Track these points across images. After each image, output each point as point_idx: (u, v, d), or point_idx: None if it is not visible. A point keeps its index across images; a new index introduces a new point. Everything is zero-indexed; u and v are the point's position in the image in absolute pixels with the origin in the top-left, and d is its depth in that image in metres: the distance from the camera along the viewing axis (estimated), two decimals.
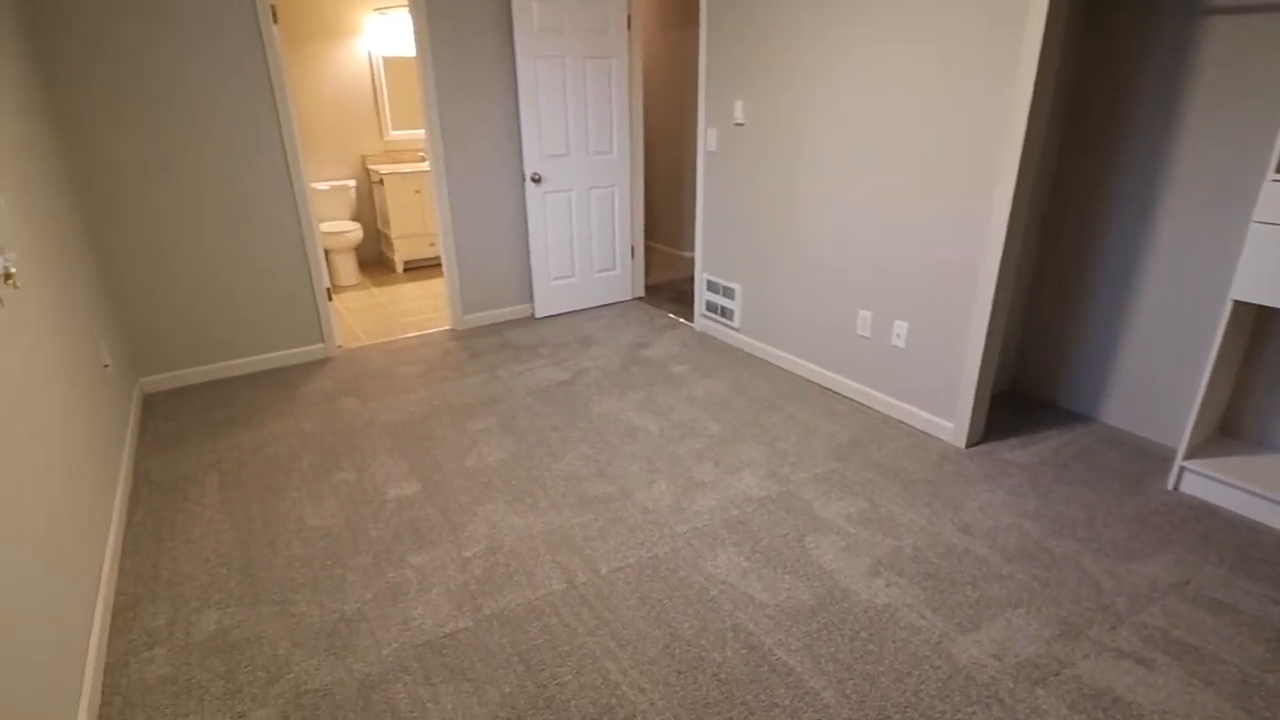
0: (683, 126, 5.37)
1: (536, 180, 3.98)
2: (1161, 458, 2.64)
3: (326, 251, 4.88)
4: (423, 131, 5.50)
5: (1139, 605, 1.93)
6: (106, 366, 2.68)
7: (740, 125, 3.41)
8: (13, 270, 1.68)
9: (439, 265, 5.48)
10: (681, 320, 4.22)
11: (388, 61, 5.24)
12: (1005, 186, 2.37)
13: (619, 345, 3.83)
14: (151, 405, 3.19)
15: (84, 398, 2.27)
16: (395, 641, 1.81)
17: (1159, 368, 2.67)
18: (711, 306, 3.91)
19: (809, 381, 3.33)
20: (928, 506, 2.36)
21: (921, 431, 2.84)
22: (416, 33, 3.56)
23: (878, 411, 3.02)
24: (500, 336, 3.99)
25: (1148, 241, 2.61)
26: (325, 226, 4.95)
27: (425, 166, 5.24)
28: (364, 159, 5.38)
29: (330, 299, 3.69)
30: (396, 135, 5.45)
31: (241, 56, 3.14)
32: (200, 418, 3.06)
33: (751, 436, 2.83)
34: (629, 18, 4.00)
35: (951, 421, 2.75)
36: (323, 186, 5.11)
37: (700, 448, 2.75)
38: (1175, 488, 2.45)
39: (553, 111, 3.91)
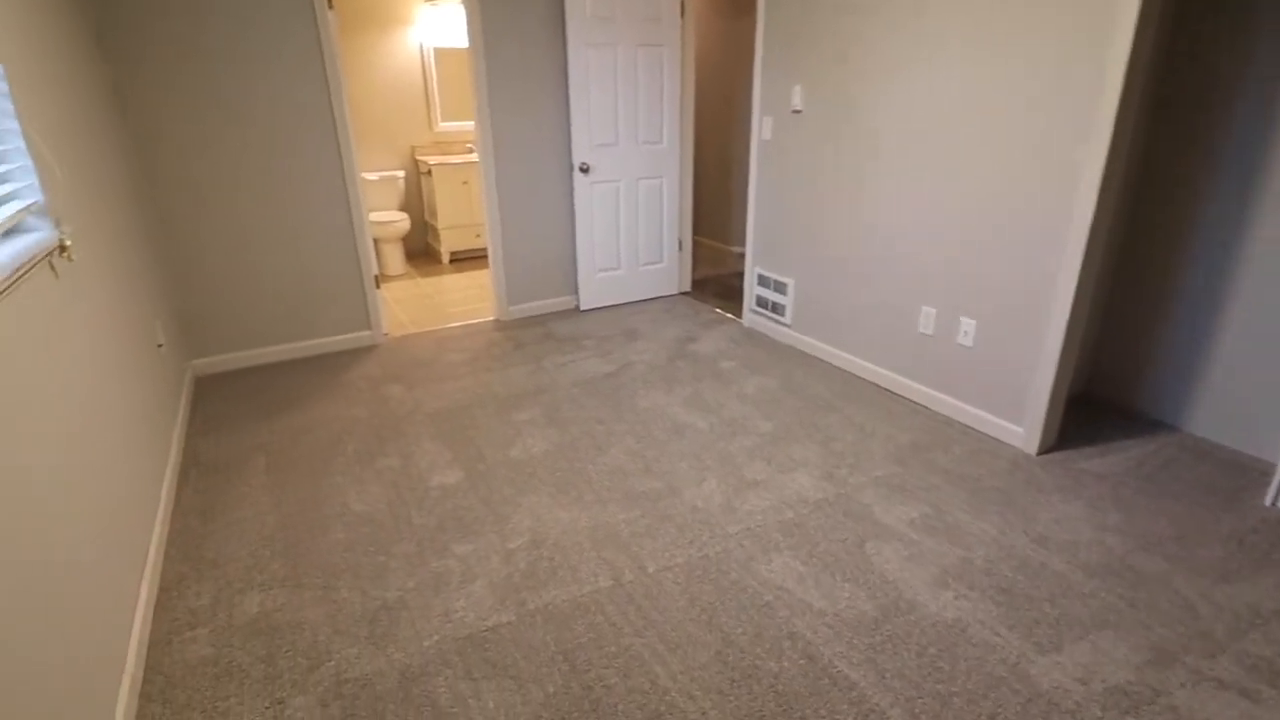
0: (733, 118, 5.25)
1: (585, 170, 3.91)
2: (1258, 472, 2.42)
3: (375, 241, 4.91)
4: (471, 123, 5.50)
5: (1240, 631, 1.75)
6: (160, 346, 2.71)
7: (798, 112, 3.28)
8: (68, 243, 1.67)
9: (485, 257, 5.47)
10: (729, 315, 4.10)
11: (439, 53, 5.25)
12: (1090, 181, 2.19)
13: (665, 339, 3.73)
14: (202, 387, 3.23)
15: (138, 376, 2.28)
16: (437, 633, 1.75)
17: (1255, 374, 2.45)
18: (762, 301, 3.78)
19: (865, 381, 3.18)
20: (999, 516, 2.20)
21: (989, 436, 2.67)
22: (469, 21, 3.53)
23: (940, 414, 2.86)
24: (545, 328, 3.93)
25: (1246, 235, 2.39)
26: (374, 216, 4.99)
27: (473, 158, 5.23)
28: (413, 150, 5.41)
29: (378, 287, 3.68)
30: (446, 127, 5.46)
31: (297, 42, 3.15)
32: (249, 401, 3.07)
33: (805, 436, 2.70)
34: (682, 5, 3.90)
35: (1022, 426, 2.57)
36: (372, 177, 5.14)
37: (751, 446, 2.63)
38: (1274, 504, 2.24)
39: (603, 100, 3.84)
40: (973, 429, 2.73)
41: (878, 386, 3.12)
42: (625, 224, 4.16)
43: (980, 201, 2.55)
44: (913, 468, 2.47)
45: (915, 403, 2.96)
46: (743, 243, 5.45)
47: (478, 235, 5.35)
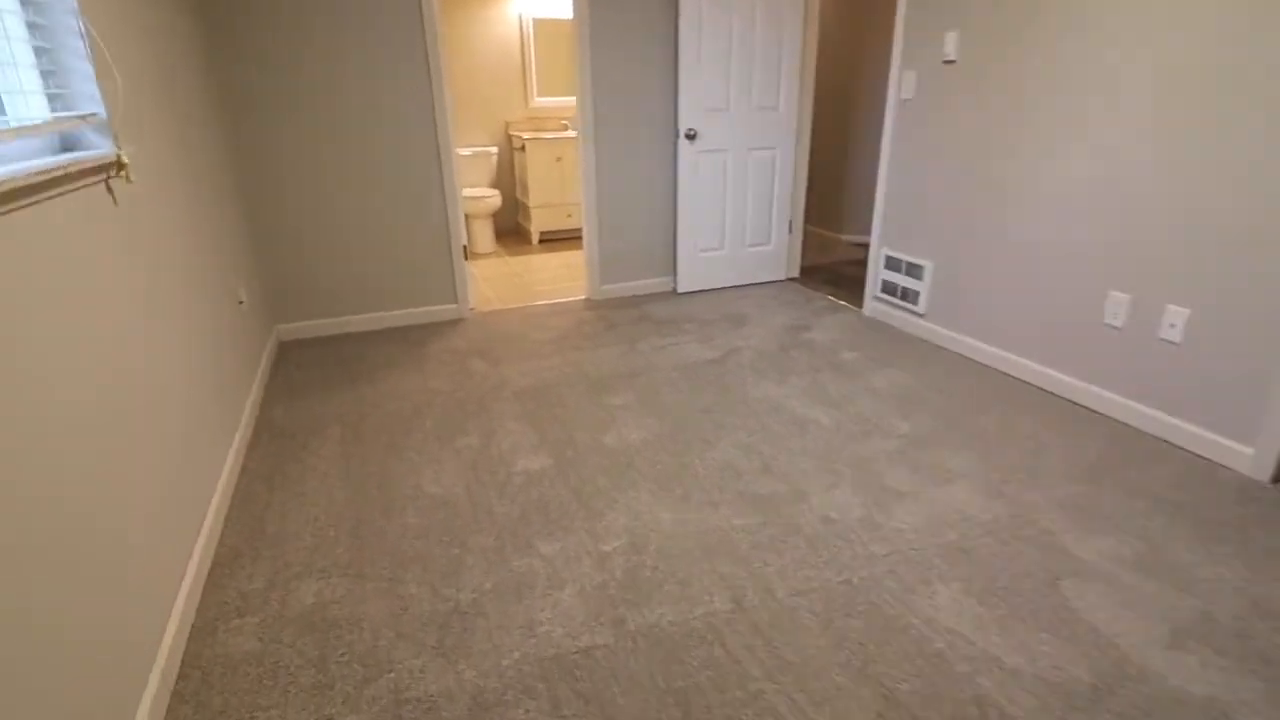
0: (855, 86, 4.74)
1: (691, 137, 3.55)
2: None
3: (464, 217, 4.73)
4: (567, 99, 5.26)
5: None
6: (241, 303, 2.54)
7: (950, 63, 2.79)
8: (125, 160, 1.45)
9: (575, 238, 5.22)
10: (844, 304, 3.63)
11: (538, 24, 5.03)
12: None
13: (774, 326, 3.32)
14: (285, 352, 3.07)
15: (212, 329, 2.09)
16: (517, 649, 1.43)
17: None
18: (889, 288, 3.30)
19: (1022, 381, 2.66)
20: (1236, 558, 1.67)
21: (1200, 456, 2.12)
22: None
23: (1128, 424, 2.31)
24: (639, 309, 3.60)
25: None
26: (465, 192, 4.81)
27: (569, 134, 4.98)
28: (507, 126, 5.21)
29: (466, 259, 3.45)
30: (542, 102, 5.23)
31: (397, 9, 2.95)
32: (330, 368, 2.89)
33: (957, 441, 2.23)
34: None
35: (1251, 446, 2.01)
36: (465, 152, 4.98)
37: (890, 449, 2.19)
38: None
39: (715, 59, 3.46)
40: (1177, 446, 2.18)
41: (1039, 389, 2.59)
42: (732, 199, 3.76)
43: (1204, 163, 2.01)
44: (1106, 489, 1.96)
45: (1091, 409, 2.42)
46: (856, 230, 4.95)
47: (569, 215, 5.10)
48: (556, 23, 5.08)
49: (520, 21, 5.00)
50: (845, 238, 5.00)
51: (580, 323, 3.41)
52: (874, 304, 3.42)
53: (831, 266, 4.39)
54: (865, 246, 4.85)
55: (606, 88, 3.43)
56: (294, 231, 3.12)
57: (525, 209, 5.19)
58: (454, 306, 3.49)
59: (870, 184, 4.81)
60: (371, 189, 3.17)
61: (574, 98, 5.26)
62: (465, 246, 3.44)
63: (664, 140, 3.63)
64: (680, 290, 3.85)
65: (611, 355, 2.98)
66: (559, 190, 5.01)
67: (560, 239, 5.23)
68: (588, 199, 3.59)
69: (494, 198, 4.84)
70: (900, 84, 3.06)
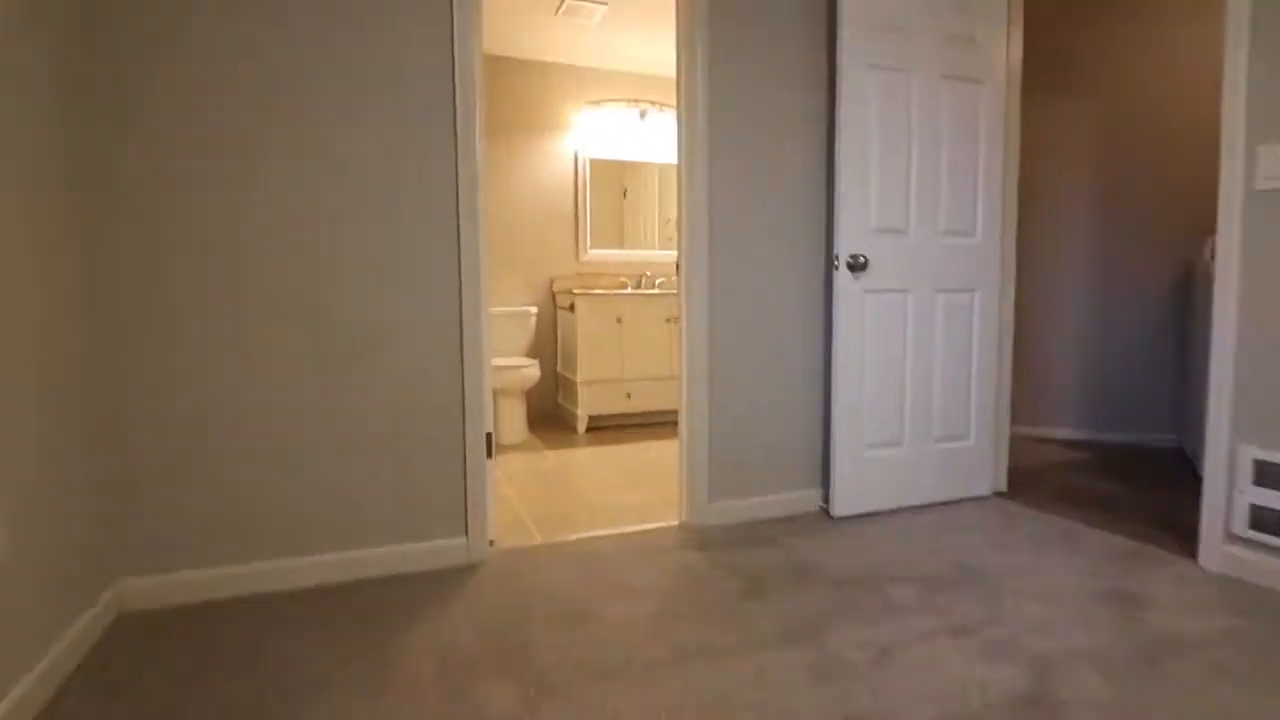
0: (1043, 206, 3.55)
1: (856, 266, 2.26)
2: None
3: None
4: (625, 253, 4.20)
5: None
6: None
7: None
8: None
9: (639, 425, 3.84)
10: (1134, 540, 2.07)
11: (595, 165, 4.11)
12: None
13: (1067, 595, 1.74)
14: (115, 641, 1.52)
15: None
16: None
17: None
18: (1267, 521, 1.76)
19: None
20: None
21: None
22: (682, 34, 2.20)
23: None
24: (781, 549, 2.06)
25: None
26: (493, 361, 3.53)
27: (627, 292, 3.82)
28: (551, 282, 4.08)
29: (489, 456, 2.02)
30: (594, 255, 4.16)
31: (427, 119, 1.87)
32: (190, 689, 1.31)
33: None
34: (1009, 11, 2.45)
35: None
36: (495, 310, 3.79)
37: None
38: None
39: (889, 159, 2.29)
40: None
41: None
42: (914, 364, 2.39)
43: None
44: None
45: None
46: (1027, 420, 3.51)
47: (629, 395, 3.75)
48: (616, 165, 4.17)
49: (576, 161, 4.08)
50: (1035, 431, 3.54)
51: (686, 577, 1.86)
52: (1230, 550, 1.86)
53: (1040, 473, 2.88)
54: (1049, 442, 3.39)
55: (721, 212, 2.23)
56: (182, 410, 1.73)
57: (569, 386, 3.86)
58: (461, 542, 1.98)
59: (1050, 355, 3.46)
60: (339, 358, 1.84)
61: (631, 252, 4.21)
62: (489, 435, 2.02)
63: (809, 284, 2.36)
64: (837, 513, 2.32)
65: (783, 669, 1.39)
66: (617, 362, 3.72)
67: (616, 427, 3.83)
68: (693, 368, 2.23)
69: (530, 368, 3.54)
70: (1248, 166, 1.80)
